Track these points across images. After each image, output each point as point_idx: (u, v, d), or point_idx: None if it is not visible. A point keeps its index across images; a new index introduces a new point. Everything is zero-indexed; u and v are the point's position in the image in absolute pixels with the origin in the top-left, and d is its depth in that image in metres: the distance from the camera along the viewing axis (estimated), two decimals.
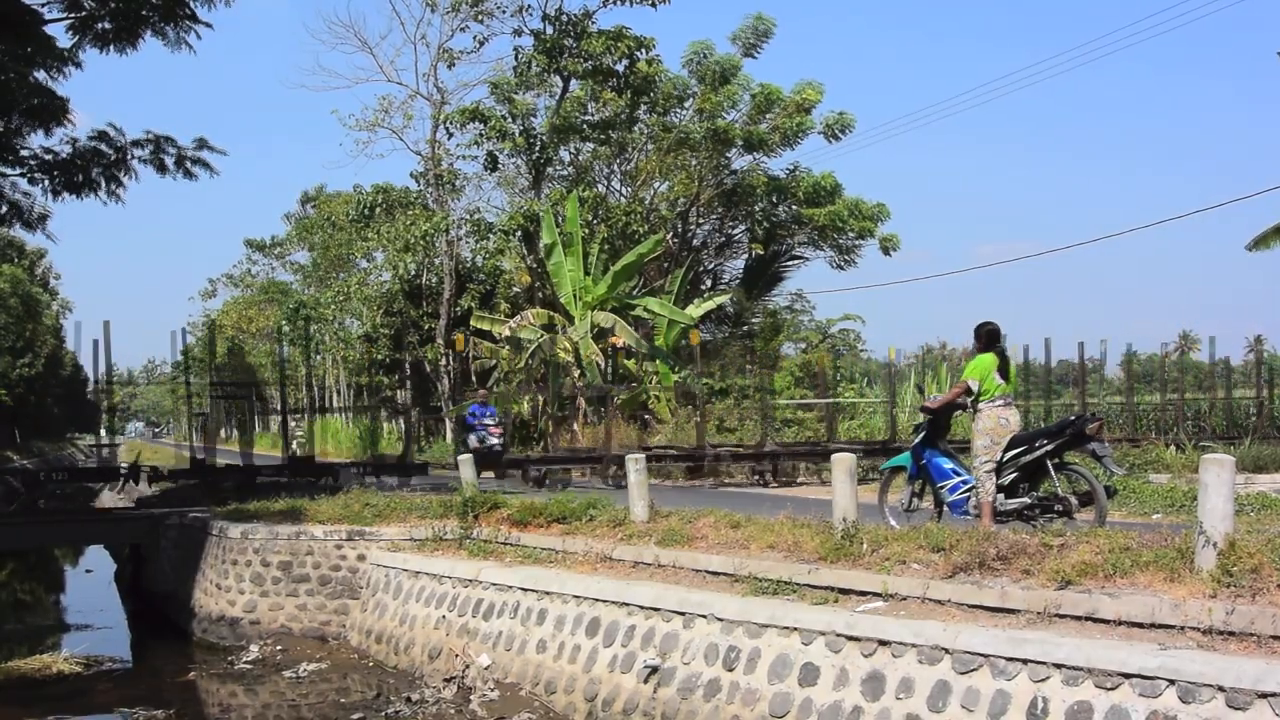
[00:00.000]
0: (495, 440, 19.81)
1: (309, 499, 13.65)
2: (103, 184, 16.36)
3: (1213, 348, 24.02)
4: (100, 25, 15.00)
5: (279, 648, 11.51)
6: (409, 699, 9.30)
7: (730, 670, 7.39)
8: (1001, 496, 8.79)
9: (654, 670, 7.88)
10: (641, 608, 8.37)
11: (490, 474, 17.73)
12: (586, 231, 27.95)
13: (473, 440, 19.30)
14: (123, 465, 16.47)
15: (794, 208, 32.98)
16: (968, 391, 8.98)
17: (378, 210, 31.98)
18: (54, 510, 15.83)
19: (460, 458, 13.71)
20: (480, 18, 29.55)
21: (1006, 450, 8.78)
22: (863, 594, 7.32)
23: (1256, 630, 5.49)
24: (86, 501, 20.98)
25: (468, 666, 9.62)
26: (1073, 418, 9.03)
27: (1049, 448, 8.67)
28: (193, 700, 10.28)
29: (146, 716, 9.34)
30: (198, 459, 16.75)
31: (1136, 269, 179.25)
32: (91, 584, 19.22)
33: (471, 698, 9.11)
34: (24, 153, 16.30)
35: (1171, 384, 25.16)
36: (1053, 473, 8.70)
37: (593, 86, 30.04)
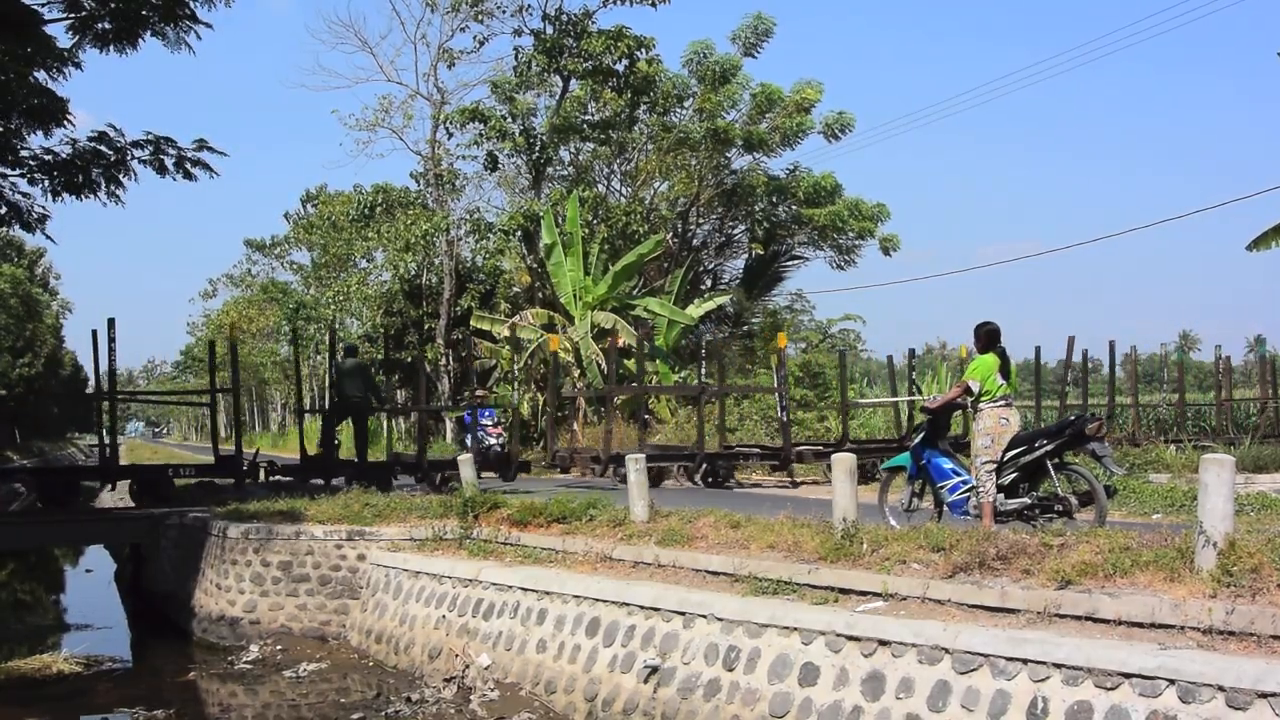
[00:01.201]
0: (493, 441, 19.80)
1: (309, 499, 13.65)
2: (102, 185, 16.30)
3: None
4: (100, 25, 14.95)
5: (279, 647, 11.51)
6: (409, 699, 9.30)
7: (730, 670, 7.39)
8: (1001, 496, 8.80)
9: (654, 670, 7.88)
10: (641, 608, 8.37)
11: (491, 474, 17.72)
12: (586, 231, 27.96)
13: (470, 441, 19.30)
14: (246, 458, 16.72)
15: (794, 208, 33.01)
16: (968, 391, 9.00)
17: (378, 210, 31.99)
18: (54, 510, 15.81)
19: (460, 458, 13.73)
20: (480, 18, 29.55)
21: (1006, 450, 8.79)
22: (863, 594, 7.32)
23: (1256, 630, 5.49)
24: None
25: (468, 666, 9.62)
26: (1072, 418, 9.04)
27: (1049, 448, 8.68)
28: (193, 700, 10.28)
29: (146, 716, 9.33)
30: (310, 455, 17.05)
31: (1136, 269, 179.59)
32: (91, 584, 19.23)
33: (471, 698, 9.12)
34: (24, 153, 16.26)
35: (1172, 384, 25.16)
36: (1053, 473, 8.71)
37: (593, 86, 30.04)
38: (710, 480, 17.73)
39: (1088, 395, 22.88)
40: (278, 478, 17.18)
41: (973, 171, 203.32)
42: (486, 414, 20.54)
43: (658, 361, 27.01)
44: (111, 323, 16.39)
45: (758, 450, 19.40)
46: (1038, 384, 22.63)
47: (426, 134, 31.66)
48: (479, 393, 21.69)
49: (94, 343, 16.92)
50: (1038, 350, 23.83)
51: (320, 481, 16.24)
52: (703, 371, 19.36)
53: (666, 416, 25.64)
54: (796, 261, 34.77)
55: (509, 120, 29.66)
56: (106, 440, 16.67)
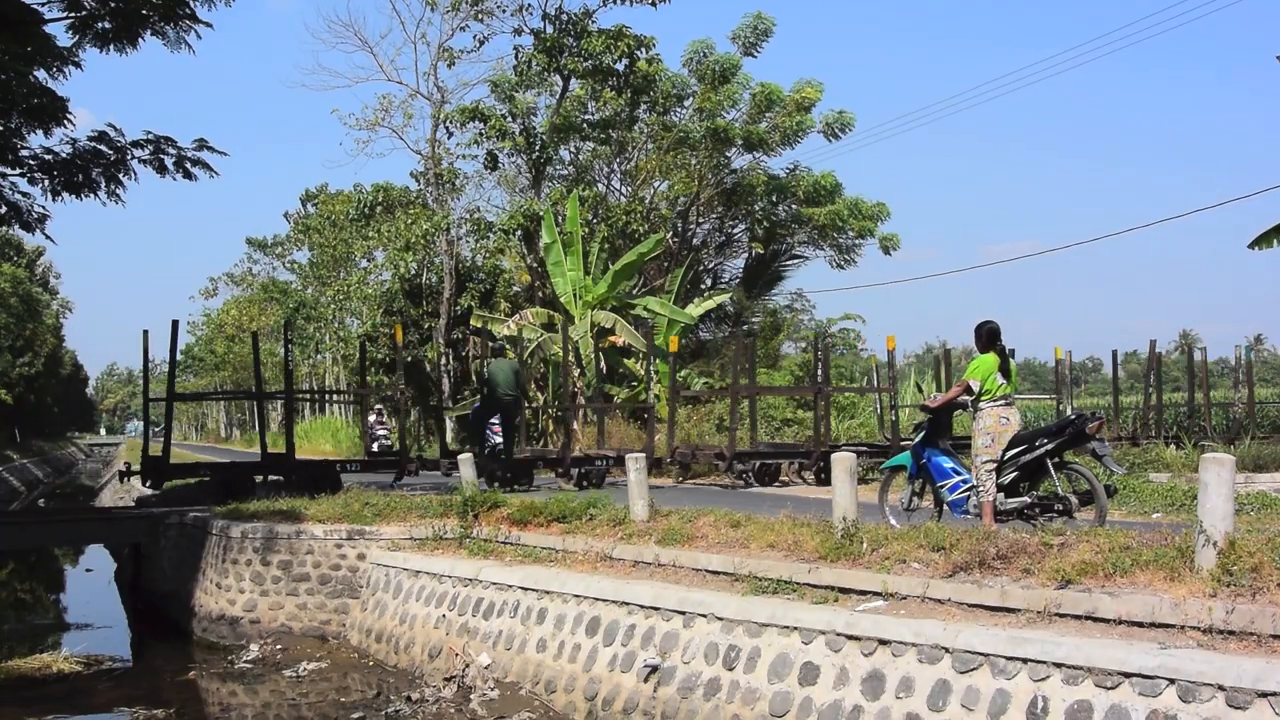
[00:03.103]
0: (498, 439, 19.76)
1: (309, 498, 13.65)
2: (102, 185, 16.28)
3: None
4: (100, 25, 14.94)
5: (279, 647, 11.51)
6: (409, 698, 9.30)
7: (730, 669, 7.39)
8: (1002, 496, 8.80)
9: (654, 669, 7.88)
10: (641, 607, 8.37)
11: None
12: (586, 231, 27.94)
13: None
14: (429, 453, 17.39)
15: (794, 207, 32.97)
16: (969, 391, 9.00)
17: (378, 209, 31.97)
18: (54, 510, 15.87)
19: (460, 457, 13.71)
20: (480, 17, 29.49)
21: (1007, 449, 8.79)
22: (863, 593, 7.32)
23: (1256, 629, 5.49)
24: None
25: (468, 665, 9.62)
26: (1073, 417, 9.04)
27: (1049, 447, 8.68)
28: (193, 699, 10.28)
29: (146, 716, 9.34)
30: (450, 450, 17.74)
31: (1136, 269, 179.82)
32: (91, 584, 19.22)
33: (471, 697, 9.12)
34: (24, 153, 16.24)
35: (1173, 383, 25.15)
36: (1053, 472, 8.70)
37: (593, 86, 30.01)
38: (822, 476, 17.92)
39: (1163, 392, 22.64)
40: (425, 472, 17.79)
41: (973, 170, 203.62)
42: None
43: (657, 361, 26.97)
44: (288, 325, 16.84)
45: (866, 447, 19.53)
46: (1116, 387, 22.58)
47: (426, 133, 31.58)
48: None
49: (254, 344, 17.65)
50: (1114, 354, 23.95)
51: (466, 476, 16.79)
52: (818, 371, 19.40)
53: (665, 416, 25.58)
54: (796, 261, 34.74)
55: (509, 120, 29.62)
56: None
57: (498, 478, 16.30)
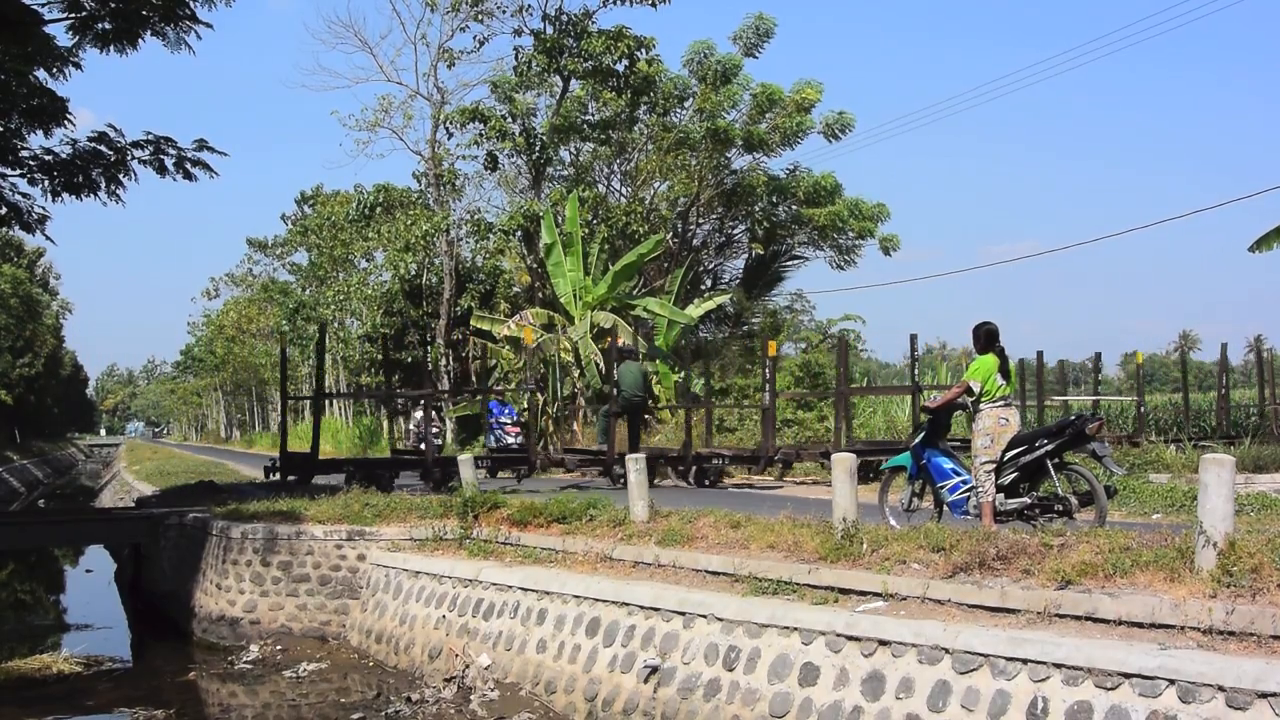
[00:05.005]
0: (512, 440, 19.72)
1: (309, 499, 13.64)
2: (102, 185, 16.28)
3: None
4: (100, 25, 14.94)
5: (279, 647, 11.51)
6: (409, 699, 9.30)
7: (730, 670, 7.39)
8: (1001, 496, 8.80)
9: (654, 670, 7.88)
10: (641, 607, 8.37)
11: (507, 474, 17.72)
12: (586, 231, 27.94)
13: (490, 441, 19.29)
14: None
15: (794, 208, 33.01)
16: (969, 391, 9.00)
17: (378, 210, 31.96)
18: (54, 510, 15.90)
19: (460, 458, 13.69)
20: (480, 17, 29.48)
21: (1006, 450, 8.79)
22: (863, 594, 7.32)
23: (1256, 630, 5.49)
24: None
25: (468, 666, 9.63)
26: (1073, 417, 9.04)
27: (1049, 448, 8.68)
28: (193, 700, 10.28)
29: (146, 716, 9.34)
30: (602, 451, 18.12)
31: (1136, 269, 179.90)
32: (91, 584, 19.22)
33: (471, 698, 9.12)
34: (24, 153, 16.24)
35: (1173, 384, 25.18)
36: (1053, 473, 8.71)
37: (593, 86, 30.01)
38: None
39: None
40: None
41: (973, 170, 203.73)
42: (506, 412, 20.41)
43: (657, 361, 26.98)
44: (431, 331, 17.07)
45: (957, 442, 19.50)
46: (1185, 385, 22.41)
47: (426, 134, 31.56)
48: (498, 389, 21.51)
49: (383, 347, 18.25)
50: (1184, 356, 23.98)
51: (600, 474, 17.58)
52: (914, 372, 19.40)
53: (666, 417, 25.64)
54: (796, 261, 34.79)
55: (509, 120, 29.62)
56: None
57: (617, 475, 16.55)
